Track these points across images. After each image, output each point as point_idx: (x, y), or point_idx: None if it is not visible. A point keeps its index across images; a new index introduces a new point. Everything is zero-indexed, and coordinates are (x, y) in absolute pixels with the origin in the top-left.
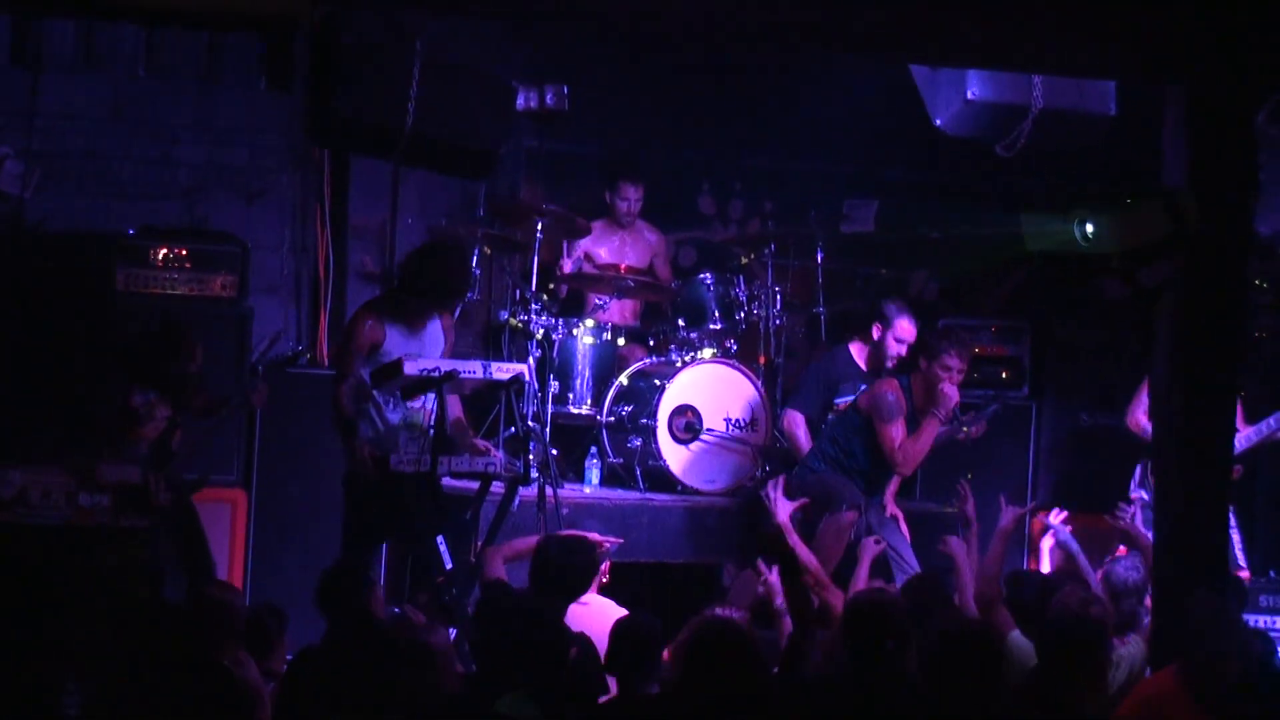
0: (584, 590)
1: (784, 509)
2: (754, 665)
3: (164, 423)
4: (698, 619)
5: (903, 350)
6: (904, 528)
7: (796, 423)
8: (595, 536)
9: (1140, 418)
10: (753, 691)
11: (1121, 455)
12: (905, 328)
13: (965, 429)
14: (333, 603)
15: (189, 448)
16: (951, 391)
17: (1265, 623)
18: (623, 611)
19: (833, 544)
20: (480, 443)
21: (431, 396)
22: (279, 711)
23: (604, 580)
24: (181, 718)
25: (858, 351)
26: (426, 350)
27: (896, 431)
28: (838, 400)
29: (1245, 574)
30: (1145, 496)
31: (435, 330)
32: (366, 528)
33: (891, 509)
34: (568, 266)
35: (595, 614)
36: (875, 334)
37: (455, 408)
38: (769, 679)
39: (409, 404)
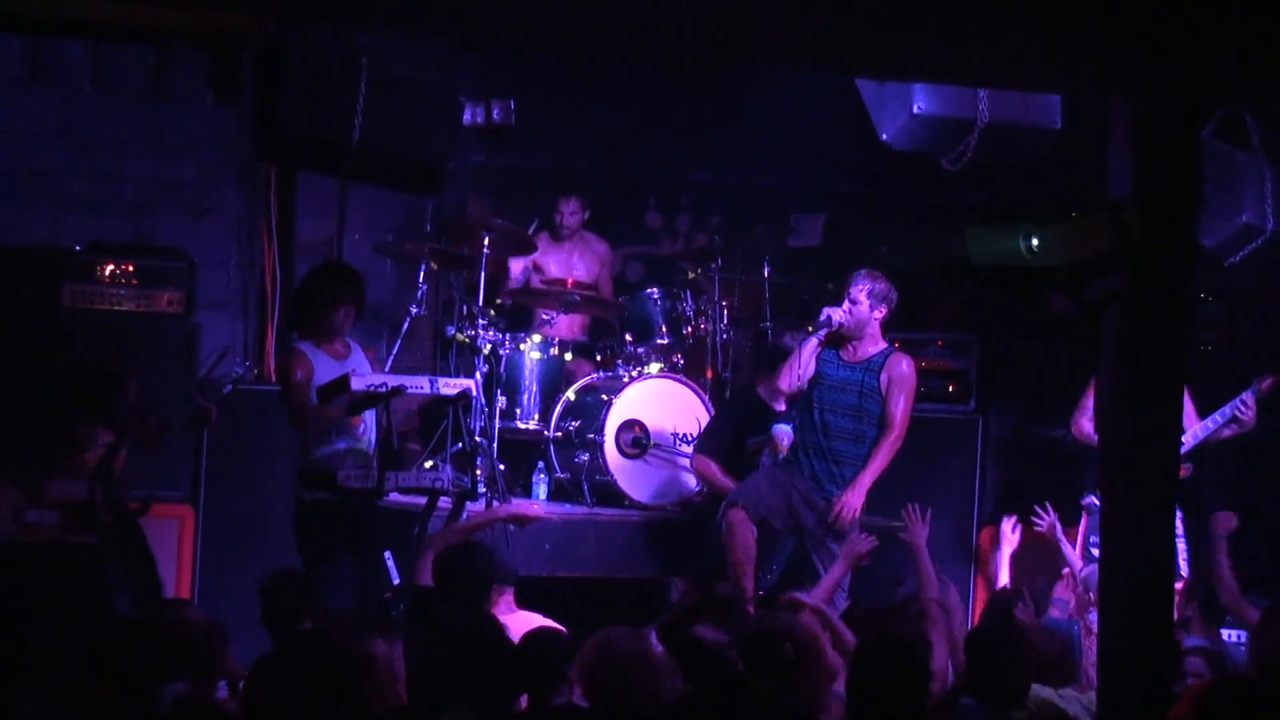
0: (486, 595)
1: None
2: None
3: (105, 449)
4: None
5: None
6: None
7: (708, 464)
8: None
9: (1084, 424)
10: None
11: (1067, 466)
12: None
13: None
14: (276, 619)
15: (133, 470)
16: (828, 311)
17: (1234, 637)
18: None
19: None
20: None
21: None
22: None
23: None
24: None
25: (765, 392)
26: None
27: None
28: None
29: (1179, 585)
30: (1095, 502)
31: (360, 357)
32: (323, 543)
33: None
34: (516, 277)
35: (522, 626)
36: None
37: None
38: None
39: (356, 430)
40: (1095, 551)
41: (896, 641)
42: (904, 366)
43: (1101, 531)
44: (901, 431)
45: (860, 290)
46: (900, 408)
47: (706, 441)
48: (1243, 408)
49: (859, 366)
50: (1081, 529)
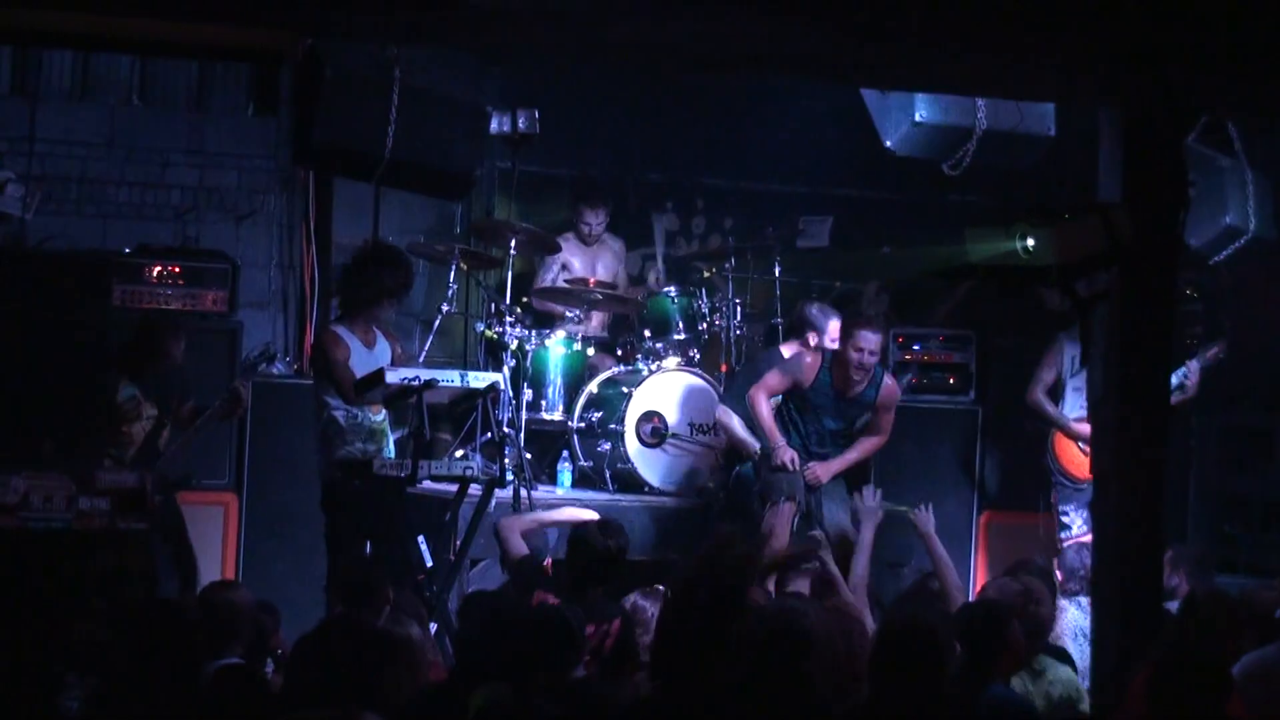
0: (622, 570)
1: None
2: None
3: (151, 422)
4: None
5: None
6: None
7: (729, 415)
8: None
9: (1038, 395)
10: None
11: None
12: (835, 327)
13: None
14: (353, 595)
15: (177, 448)
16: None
17: None
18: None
19: (780, 531)
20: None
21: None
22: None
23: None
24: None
25: (788, 352)
26: (379, 364)
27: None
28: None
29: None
30: (1057, 475)
31: (384, 346)
32: (351, 530)
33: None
34: (547, 278)
35: None
36: (813, 340)
37: None
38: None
39: (374, 416)
40: (1064, 519)
41: (918, 623)
42: (895, 389)
43: (1093, 513)
44: (887, 438)
45: (875, 343)
46: (890, 420)
47: (731, 395)
48: (1188, 375)
49: (854, 401)
50: (1053, 499)
